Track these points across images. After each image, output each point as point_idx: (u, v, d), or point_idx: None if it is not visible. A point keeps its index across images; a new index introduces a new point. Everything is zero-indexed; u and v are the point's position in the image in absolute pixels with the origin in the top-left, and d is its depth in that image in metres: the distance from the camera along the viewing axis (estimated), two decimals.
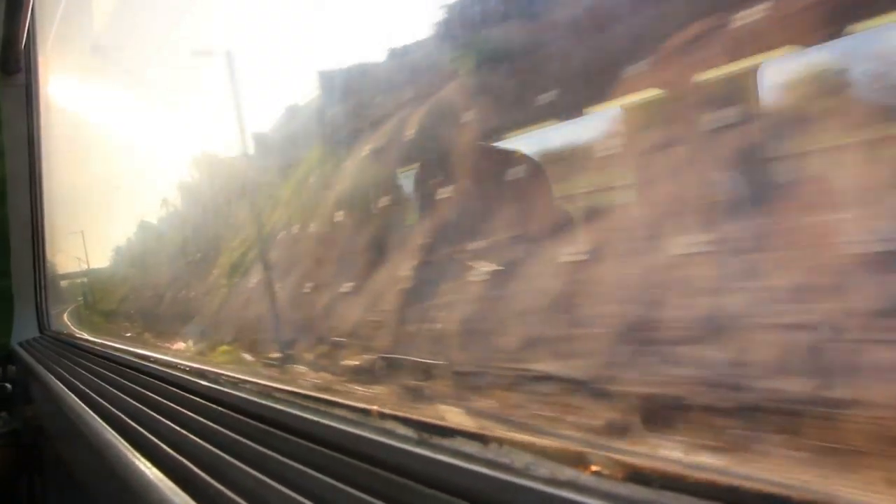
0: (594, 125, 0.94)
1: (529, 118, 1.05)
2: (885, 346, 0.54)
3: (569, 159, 1.01)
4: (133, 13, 2.70)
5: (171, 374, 0.97)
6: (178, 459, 0.64)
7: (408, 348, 1.21)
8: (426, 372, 1.07)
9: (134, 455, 0.70)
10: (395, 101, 1.56)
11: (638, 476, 0.35)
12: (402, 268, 1.36)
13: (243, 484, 0.54)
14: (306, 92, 2.04)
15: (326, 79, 1.92)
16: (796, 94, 0.70)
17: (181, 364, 1.03)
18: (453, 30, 1.27)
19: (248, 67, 2.22)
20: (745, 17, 0.69)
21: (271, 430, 0.61)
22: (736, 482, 0.33)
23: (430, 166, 1.37)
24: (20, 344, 2.23)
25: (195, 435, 0.69)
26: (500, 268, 1.05)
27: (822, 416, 0.55)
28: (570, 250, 0.93)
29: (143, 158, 3.07)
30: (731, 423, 0.61)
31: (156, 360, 1.14)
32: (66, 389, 1.20)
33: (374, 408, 0.53)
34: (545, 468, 0.38)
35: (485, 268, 1.07)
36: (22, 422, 2.02)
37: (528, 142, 1.08)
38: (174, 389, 0.89)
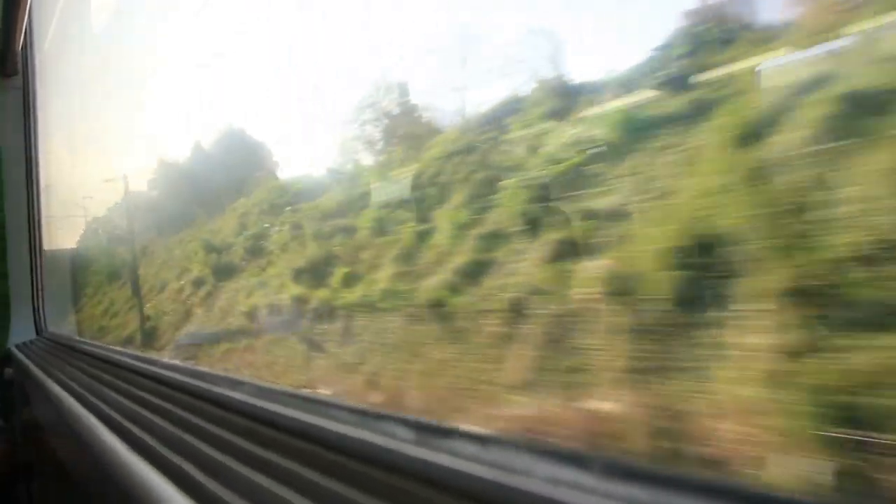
0: None
1: None
2: None
3: None
4: None
5: (168, 375, 0.96)
6: (176, 460, 0.64)
7: None
8: None
9: (131, 456, 0.70)
10: None
11: (640, 477, 0.34)
12: None
13: (242, 484, 0.54)
14: None
15: None
16: None
17: (179, 365, 1.02)
18: None
19: None
20: None
21: (269, 430, 0.60)
22: (737, 483, 0.33)
23: None
24: (17, 346, 2.22)
25: (193, 436, 0.69)
26: None
27: None
28: None
29: None
30: None
31: (153, 362, 1.13)
32: (63, 391, 1.19)
33: (372, 409, 0.53)
34: (546, 469, 0.38)
35: None
36: (19, 423, 2.02)
37: None
38: (171, 391, 0.89)
